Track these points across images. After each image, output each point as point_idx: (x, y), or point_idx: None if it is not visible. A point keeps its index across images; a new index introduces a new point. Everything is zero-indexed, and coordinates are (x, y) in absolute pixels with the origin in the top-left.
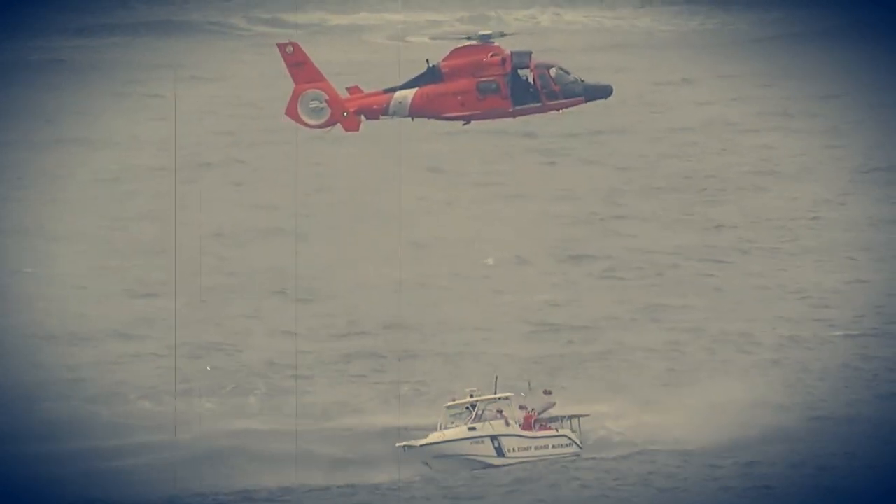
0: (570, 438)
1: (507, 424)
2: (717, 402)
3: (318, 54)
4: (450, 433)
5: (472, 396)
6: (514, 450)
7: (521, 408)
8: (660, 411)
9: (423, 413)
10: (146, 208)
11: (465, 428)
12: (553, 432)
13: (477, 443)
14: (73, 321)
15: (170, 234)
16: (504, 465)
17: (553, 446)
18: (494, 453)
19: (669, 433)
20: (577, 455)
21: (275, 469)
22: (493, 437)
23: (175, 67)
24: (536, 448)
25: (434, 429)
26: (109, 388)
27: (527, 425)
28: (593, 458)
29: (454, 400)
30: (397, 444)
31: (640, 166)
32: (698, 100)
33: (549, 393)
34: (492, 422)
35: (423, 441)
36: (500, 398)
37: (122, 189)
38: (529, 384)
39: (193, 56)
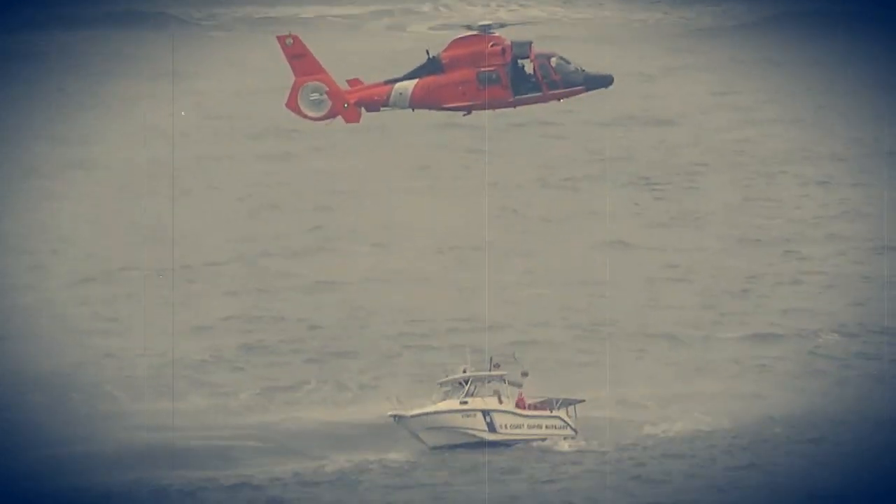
0: (564, 421)
1: (500, 402)
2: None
3: (317, 46)
4: (441, 405)
5: (465, 372)
6: (506, 426)
7: (512, 383)
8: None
9: None
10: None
11: (456, 402)
12: (546, 413)
13: (468, 415)
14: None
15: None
16: (496, 441)
17: (546, 426)
18: (486, 427)
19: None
20: (571, 438)
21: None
22: (486, 412)
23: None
24: (529, 427)
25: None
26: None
27: (520, 405)
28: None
29: (447, 376)
30: (388, 414)
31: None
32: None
33: (526, 375)
34: (484, 398)
35: (414, 411)
36: (493, 376)
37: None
38: (514, 355)
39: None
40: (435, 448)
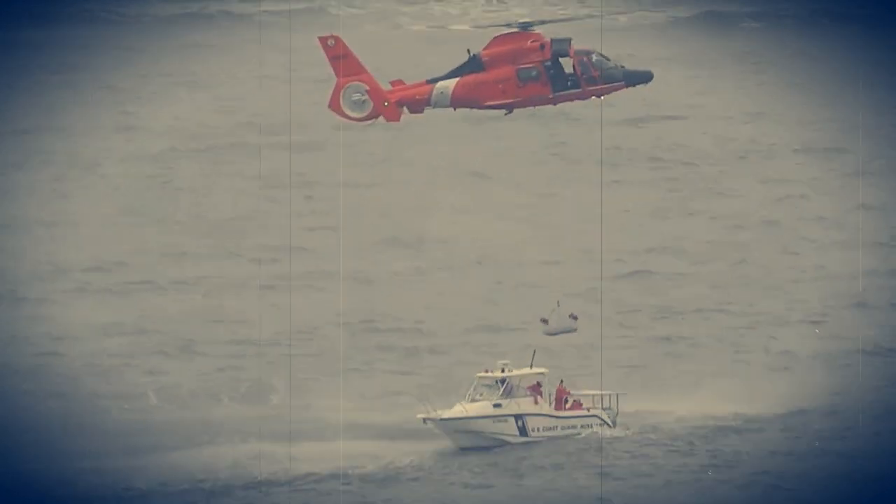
0: (601, 419)
1: (536, 403)
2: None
3: (358, 45)
4: (473, 409)
5: (503, 371)
6: (538, 429)
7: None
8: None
9: None
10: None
11: (490, 404)
12: (584, 412)
13: (500, 421)
14: None
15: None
16: (526, 444)
17: (582, 426)
18: (517, 432)
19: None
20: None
21: None
22: (518, 416)
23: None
24: (563, 428)
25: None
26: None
27: (559, 401)
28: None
29: (487, 371)
30: (418, 416)
31: None
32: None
33: (575, 318)
34: (519, 399)
35: (445, 415)
36: (534, 373)
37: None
38: (558, 303)
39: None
40: (464, 448)
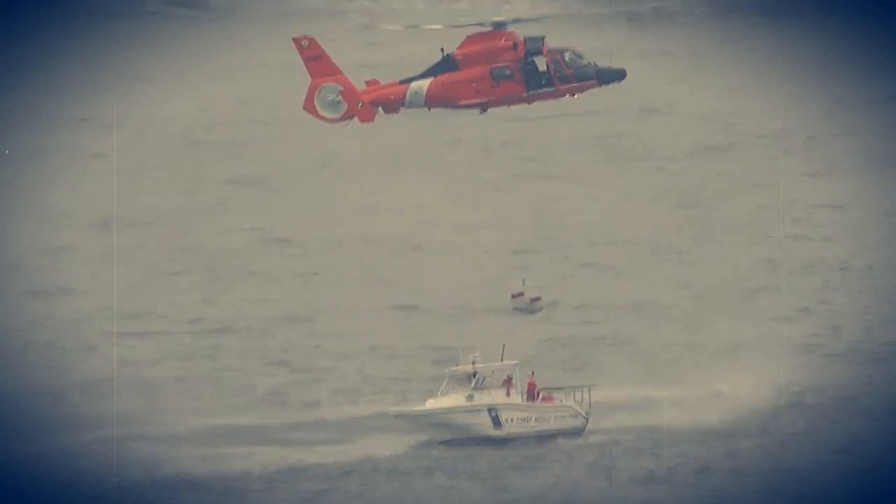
0: (575, 409)
1: (508, 395)
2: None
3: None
4: (446, 401)
5: (473, 364)
6: (511, 420)
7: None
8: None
9: None
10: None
11: (462, 397)
12: (557, 404)
13: (473, 412)
14: None
15: None
16: (502, 437)
17: (556, 417)
18: (491, 423)
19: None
20: (582, 427)
21: None
22: (490, 408)
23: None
24: (537, 420)
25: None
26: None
27: (531, 393)
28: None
29: (458, 366)
30: (391, 410)
31: None
32: None
33: (538, 299)
34: (491, 390)
35: (419, 409)
36: (504, 366)
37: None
38: (524, 281)
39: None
40: (443, 442)
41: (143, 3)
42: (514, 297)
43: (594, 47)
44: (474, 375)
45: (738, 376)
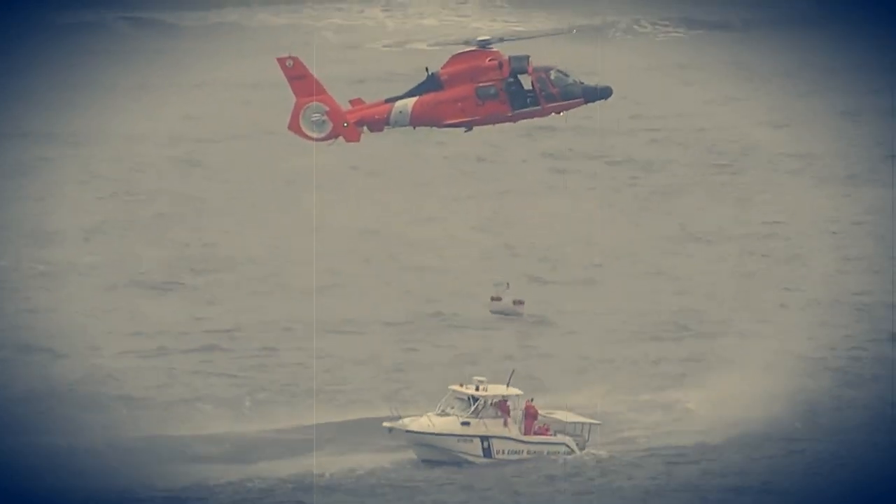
0: (568, 446)
1: (505, 425)
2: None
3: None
4: (440, 424)
5: (477, 389)
6: (503, 452)
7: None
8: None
9: None
10: None
11: (458, 422)
12: (551, 438)
13: (465, 441)
14: None
15: None
16: (488, 466)
17: (549, 453)
18: (482, 454)
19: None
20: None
21: None
22: (484, 438)
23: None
24: (529, 453)
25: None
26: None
27: (529, 422)
28: None
29: (461, 385)
30: (383, 424)
31: None
32: None
33: (521, 303)
34: (487, 420)
35: (411, 427)
36: (507, 396)
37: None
38: (507, 284)
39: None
40: (425, 461)
41: (103, 15)
42: (493, 299)
43: (576, 65)
44: (475, 400)
45: (719, 390)
